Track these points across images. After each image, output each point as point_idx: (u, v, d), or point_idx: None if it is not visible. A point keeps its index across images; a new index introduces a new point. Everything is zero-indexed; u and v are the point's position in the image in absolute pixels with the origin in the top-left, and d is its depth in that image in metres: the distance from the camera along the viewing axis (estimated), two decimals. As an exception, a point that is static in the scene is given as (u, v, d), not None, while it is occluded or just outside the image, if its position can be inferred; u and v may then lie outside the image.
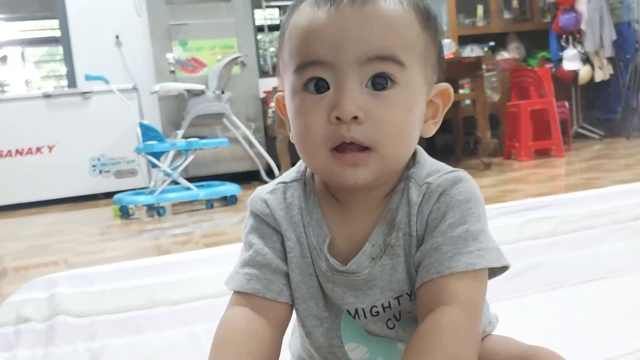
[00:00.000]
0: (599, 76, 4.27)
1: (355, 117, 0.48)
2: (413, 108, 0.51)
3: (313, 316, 0.57)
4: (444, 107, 0.56)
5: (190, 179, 3.22)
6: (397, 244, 0.53)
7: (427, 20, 0.52)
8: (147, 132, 3.10)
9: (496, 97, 4.14)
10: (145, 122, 3.24)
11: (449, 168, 0.55)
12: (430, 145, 4.63)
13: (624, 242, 1.37)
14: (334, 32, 0.49)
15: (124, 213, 2.93)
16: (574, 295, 1.06)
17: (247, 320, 0.52)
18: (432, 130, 0.55)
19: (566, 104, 4.07)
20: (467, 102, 3.79)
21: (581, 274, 1.16)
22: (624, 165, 3.00)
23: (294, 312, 0.58)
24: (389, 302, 0.54)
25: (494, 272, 0.53)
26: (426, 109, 0.54)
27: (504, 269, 0.53)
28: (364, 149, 0.50)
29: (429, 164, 0.56)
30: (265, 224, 0.57)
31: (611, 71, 4.29)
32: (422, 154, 0.58)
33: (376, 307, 0.54)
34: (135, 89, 3.97)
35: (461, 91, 3.97)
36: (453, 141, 4.09)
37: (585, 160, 3.44)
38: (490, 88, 4.14)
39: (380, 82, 0.49)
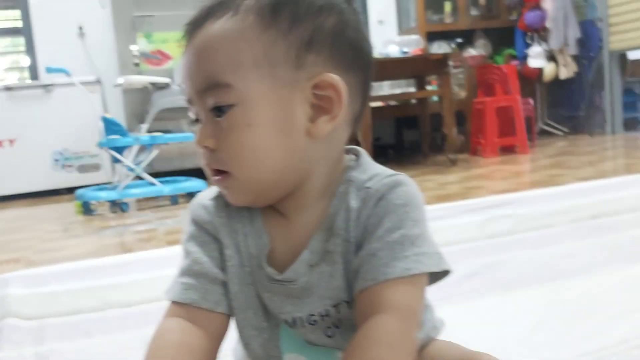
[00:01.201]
0: (564, 74, 4.34)
1: (207, 146, 0.51)
2: (252, 123, 0.49)
3: (251, 326, 0.55)
4: (339, 99, 0.50)
5: (155, 174, 3.17)
6: (335, 250, 0.52)
7: (273, 15, 0.49)
8: (110, 126, 3.04)
9: (463, 94, 4.17)
10: (108, 115, 3.18)
11: (390, 172, 0.54)
12: (398, 142, 4.66)
13: (580, 241, 1.39)
14: (183, 70, 0.52)
15: (86, 209, 2.87)
16: (529, 295, 1.06)
17: (181, 332, 0.51)
18: (327, 127, 0.51)
19: (531, 101, 4.13)
20: (435, 98, 3.81)
21: (537, 274, 1.17)
22: (586, 162, 3.06)
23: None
24: (327, 310, 0.53)
25: (436, 276, 0.53)
26: (311, 108, 0.50)
27: (445, 273, 0.53)
28: (222, 172, 0.51)
29: (371, 167, 0.55)
30: (204, 232, 0.55)
31: (575, 69, 4.36)
32: (365, 157, 0.57)
33: (314, 315, 0.53)
34: (98, 81, 3.89)
35: (429, 87, 3.99)
36: (420, 138, 4.12)
37: (549, 156, 3.49)
38: (458, 85, 4.18)
39: (216, 110, 0.50)
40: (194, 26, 0.51)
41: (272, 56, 0.49)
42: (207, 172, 0.53)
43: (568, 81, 4.44)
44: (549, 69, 4.34)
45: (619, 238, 1.39)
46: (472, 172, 3.27)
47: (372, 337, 0.46)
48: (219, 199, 0.56)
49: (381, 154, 4.12)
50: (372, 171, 0.54)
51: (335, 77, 0.50)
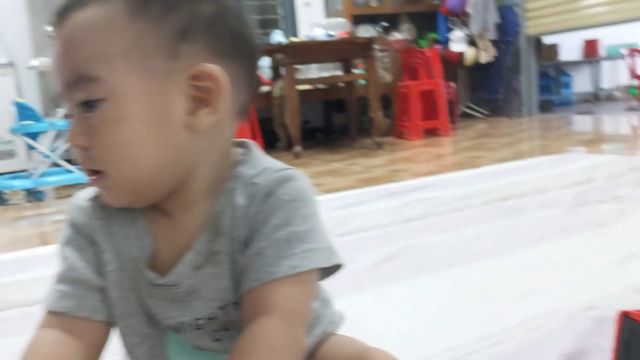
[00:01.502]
0: (484, 58, 4.48)
1: (78, 145, 0.48)
2: (125, 118, 0.46)
3: (135, 333, 0.53)
4: (219, 90, 0.48)
5: (74, 162, 3.04)
6: (221, 250, 0.50)
7: (144, 3, 0.46)
8: (23, 111, 2.87)
9: (389, 78, 4.23)
10: (21, 100, 3.00)
11: (280, 166, 0.52)
12: (328, 125, 4.68)
13: (490, 223, 1.45)
14: (53, 63, 0.48)
15: (0, 199, 2.73)
16: (437, 280, 1.09)
17: (55, 344, 0.48)
18: (208, 120, 0.48)
19: (453, 84, 4.24)
20: (362, 82, 3.84)
21: (446, 258, 1.21)
22: (504, 144, 3.18)
23: None
24: (213, 313, 0.51)
25: (328, 271, 0.52)
26: (190, 101, 0.48)
27: (337, 267, 0.52)
28: (97, 172, 0.48)
29: (260, 162, 0.53)
30: (81, 235, 0.52)
31: (494, 53, 4.51)
32: (255, 151, 0.54)
33: (200, 319, 0.52)
34: (11, 64, 3.67)
35: (355, 71, 4.01)
36: (348, 121, 4.15)
37: (470, 139, 3.61)
38: (383, 68, 4.23)
39: (84, 105, 0.47)
40: (62, 15, 0.47)
41: (144, 46, 0.46)
42: (84, 172, 0.50)
43: (488, 65, 4.58)
44: (469, 53, 4.47)
45: (525, 220, 1.45)
46: (397, 155, 3.33)
47: (254, 340, 0.45)
48: (97, 199, 0.53)
49: (310, 137, 4.13)
50: (261, 166, 0.52)
51: (213, 67, 0.47)
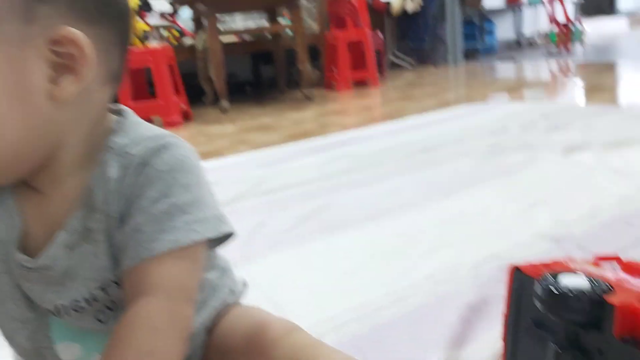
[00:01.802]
0: (410, 7, 4.48)
1: None
2: None
3: (14, 319, 0.51)
4: (82, 56, 0.44)
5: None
6: (96, 227, 0.47)
7: None
8: None
9: (316, 28, 4.17)
10: None
11: (157, 133, 0.49)
12: (256, 78, 4.59)
13: (409, 176, 1.47)
14: None
15: None
16: (352, 237, 1.11)
17: None
18: (73, 89, 0.45)
19: (380, 34, 4.23)
20: (290, 32, 3.77)
21: (364, 213, 1.22)
22: (430, 93, 3.23)
23: None
24: (93, 294, 0.49)
25: (220, 240, 0.50)
26: (52, 68, 0.44)
27: (229, 236, 0.50)
28: None
29: (135, 130, 0.49)
30: None
31: (421, 2, 4.52)
32: (130, 118, 0.51)
33: (78, 301, 0.49)
34: None
35: (281, 20, 3.93)
36: (276, 74, 4.09)
37: (397, 89, 3.64)
38: (310, 18, 4.16)
39: None
40: None
41: None
42: None
43: (414, 14, 4.59)
44: (396, 2, 4.46)
45: (442, 171, 1.48)
46: (327, 107, 3.32)
47: (134, 322, 0.43)
48: None
49: (238, 91, 4.04)
50: (136, 134, 0.48)
51: (75, 32, 0.43)
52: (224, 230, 0.49)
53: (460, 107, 2.50)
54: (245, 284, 0.66)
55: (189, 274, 0.47)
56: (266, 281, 0.93)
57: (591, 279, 0.44)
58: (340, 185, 1.45)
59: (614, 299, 0.41)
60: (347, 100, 3.46)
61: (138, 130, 0.49)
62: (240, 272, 0.96)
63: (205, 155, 2.15)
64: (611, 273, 0.48)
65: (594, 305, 0.42)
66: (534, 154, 1.50)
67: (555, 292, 0.43)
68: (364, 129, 2.23)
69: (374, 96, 3.54)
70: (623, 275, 0.48)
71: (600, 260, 0.56)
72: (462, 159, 1.57)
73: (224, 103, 3.30)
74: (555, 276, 0.46)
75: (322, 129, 2.50)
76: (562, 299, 0.43)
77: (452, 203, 1.24)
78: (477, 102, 2.61)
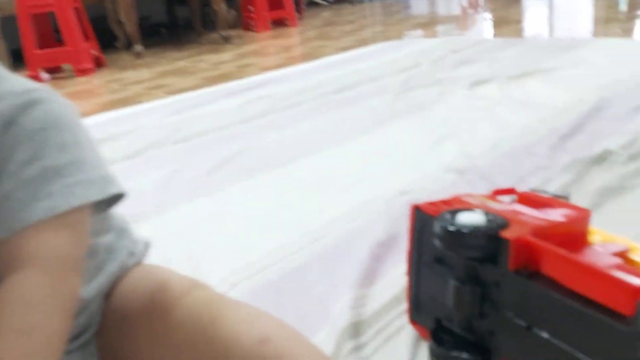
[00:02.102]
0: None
1: None
2: None
3: None
4: None
5: None
6: None
7: None
8: None
9: (230, -35, 4.00)
10: None
11: (25, 88, 0.44)
12: (172, 20, 4.39)
13: (324, 116, 1.49)
14: None
15: None
16: (268, 180, 1.11)
17: None
18: None
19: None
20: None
21: (280, 156, 1.23)
22: (347, 32, 3.21)
23: None
24: None
25: (109, 201, 0.47)
26: None
27: (120, 197, 0.47)
28: None
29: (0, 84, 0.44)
30: None
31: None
32: None
33: None
34: None
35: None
36: (192, 15, 3.93)
37: (315, 28, 3.60)
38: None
39: None
40: None
41: None
42: None
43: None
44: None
45: (356, 110, 1.51)
46: (246, 48, 3.25)
47: (9, 298, 0.39)
48: None
49: (153, 34, 3.87)
50: (1, 89, 0.43)
51: None
52: (111, 191, 0.45)
53: (377, 45, 2.52)
54: (147, 244, 0.61)
55: (72, 242, 0.43)
56: (181, 231, 0.93)
57: (487, 214, 0.47)
58: (258, 128, 1.45)
59: (508, 234, 0.43)
60: (265, 41, 3.40)
61: (1, 84, 0.44)
62: (154, 222, 0.97)
63: (120, 103, 2.07)
64: (507, 206, 0.51)
65: (489, 241, 0.44)
66: (444, 89, 1.55)
67: (452, 230, 0.45)
68: (283, 69, 2.21)
69: (293, 36, 3.49)
70: (518, 207, 0.51)
71: (498, 193, 0.59)
72: (377, 96, 1.59)
73: (138, 47, 3.16)
74: (452, 214, 0.48)
75: (240, 72, 2.45)
76: (458, 237, 0.45)
77: (368, 140, 1.27)
78: (393, 40, 2.63)
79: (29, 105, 0.42)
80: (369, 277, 0.73)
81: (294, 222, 0.92)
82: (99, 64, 2.97)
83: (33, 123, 0.42)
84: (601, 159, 0.97)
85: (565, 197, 0.73)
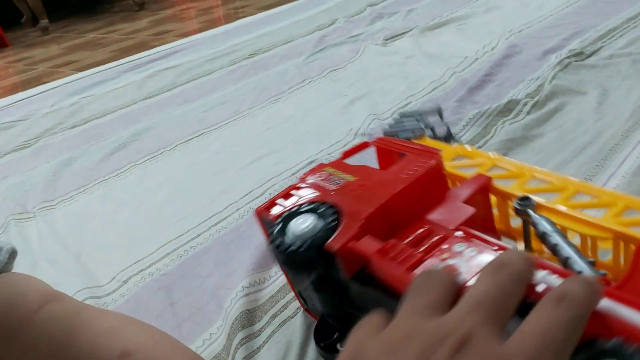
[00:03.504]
0: None
1: None
2: None
3: None
4: None
5: None
6: None
7: None
8: None
9: None
10: None
11: None
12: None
13: (234, 85, 1.41)
14: None
15: None
16: (171, 160, 1.04)
17: None
18: None
19: None
20: None
21: (185, 132, 1.15)
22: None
23: None
24: None
25: None
26: None
27: None
28: None
29: None
30: None
31: None
32: None
33: None
34: None
35: None
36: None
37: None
38: None
39: None
40: None
41: None
42: None
43: None
44: None
45: (268, 76, 1.43)
46: (162, 14, 3.09)
47: None
48: None
49: (62, 6, 3.64)
50: None
51: None
52: None
53: (297, 2, 2.42)
54: (11, 251, 0.57)
55: None
56: (68, 229, 0.86)
57: (318, 215, 0.42)
58: (163, 104, 1.35)
59: (335, 242, 0.39)
60: (184, 4, 3.24)
61: None
62: (41, 220, 0.88)
63: (25, 85, 1.93)
64: (346, 184, 0.47)
65: (320, 255, 0.40)
66: (358, 46, 1.48)
67: (282, 250, 0.42)
68: (194, 36, 2.09)
69: (214, -3, 3.34)
70: (357, 180, 0.47)
71: (348, 154, 0.56)
72: (290, 59, 1.52)
73: (44, 22, 2.95)
74: (282, 227, 0.43)
75: (157, 40, 2.32)
76: (290, 258, 0.41)
77: (277, 109, 1.20)
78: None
79: None
80: (263, 263, 0.68)
81: (195, 208, 0.85)
82: (1, 44, 2.77)
83: None
84: (507, 109, 0.94)
85: (437, 110, 0.70)
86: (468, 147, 0.60)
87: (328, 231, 0.40)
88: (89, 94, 1.52)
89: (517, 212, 0.47)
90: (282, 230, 0.43)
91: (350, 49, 1.48)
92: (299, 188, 0.49)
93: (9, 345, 0.45)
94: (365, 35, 1.58)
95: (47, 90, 1.66)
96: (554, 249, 0.42)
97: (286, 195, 0.49)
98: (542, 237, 0.43)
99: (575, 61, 1.09)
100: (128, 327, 0.47)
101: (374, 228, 0.40)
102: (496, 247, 0.37)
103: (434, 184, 0.46)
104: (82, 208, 0.92)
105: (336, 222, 0.41)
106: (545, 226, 0.43)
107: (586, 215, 0.44)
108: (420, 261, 0.36)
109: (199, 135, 1.14)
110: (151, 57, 1.80)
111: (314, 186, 0.49)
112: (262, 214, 0.49)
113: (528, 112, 0.92)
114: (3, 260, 0.55)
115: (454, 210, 0.42)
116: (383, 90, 1.18)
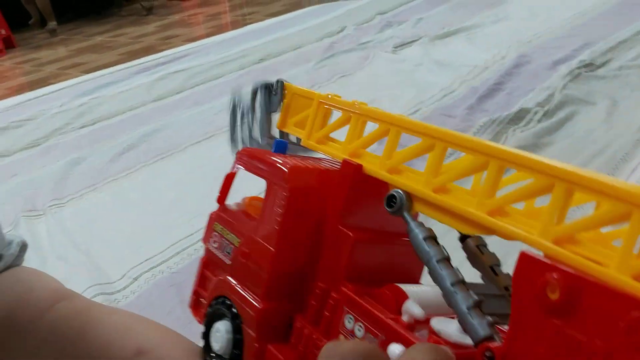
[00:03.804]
0: None
1: None
2: None
3: None
4: None
5: None
6: None
7: None
8: None
9: None
10: None
11: None
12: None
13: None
14: None
15: None
16: (180, 162, 1.05)
17: None
18: None
19: None
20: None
21: (193, 135, 1.16)
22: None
23: None
24: None
25: None
26: None
27: None
28: None
29: None
30: None
31: None
32: None
33: None
34: None
35: None
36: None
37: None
38: None
39: None
40: None
41: None
42: None
43: None
44: None
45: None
46: (171, 18, 3.10)
47: None
48: None
49: (70, 8, 3.65)
50: None
51: None
52: None
53: (304, 10, 2.43)
54: (21, 244, 0.56)
55: None
56: (78, 227, 0.86)
57: (230, 322, 0.37)
58: (172, 107, 1.36)
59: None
60: (192, 10, 3.26)
61: None
62: (51, 218, 0.88)
63: (32, 86, 1.94)
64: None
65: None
66: (367, 53, 1.49)
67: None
68: (203, 41, 2.10)
69: (222, 2, 3.36)
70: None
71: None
72: (299, 65, 1.53)
73: (52, 24, 2.97)
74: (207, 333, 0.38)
75: (164, 44, 2.34)
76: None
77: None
78: (327, 3, 2.55)
79: None
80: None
81: (203, 208, 0.84)
82: (9, 45, 2.78)
83: None
84: (518, 118, 0.94)
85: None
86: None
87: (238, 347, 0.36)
88: (97, 95, 1.52)
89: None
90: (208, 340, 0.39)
91: (359, 55, 1.49)
92: (206, 265, 0.43)
93: (20, 343, 0.45)
94: (375, 42, 1.59)
95: (55, 91, 1.67)
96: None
97: (200, 281, 0.43)
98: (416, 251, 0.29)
99: (585, 72, 1.09)
100: (140, 325, 0.46)
101: (273, 318, 0.35)
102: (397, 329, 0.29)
103: (306, 214, 0.35)
104: (92, 206, 0.92)
105: (240, 335, 0.37)
106: (416, 237, 0.29)
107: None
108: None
109: (209, 137, 1.14)
110: (160, 60, 1.80)
111: (214, 263, 0.41)
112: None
113: (539, 121, 0.92)
114: (14, 253, 0.55)
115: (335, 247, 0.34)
116: (392, 97, 1.18)
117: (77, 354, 0.44)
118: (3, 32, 2.75)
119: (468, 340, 0.28)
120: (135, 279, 0.70)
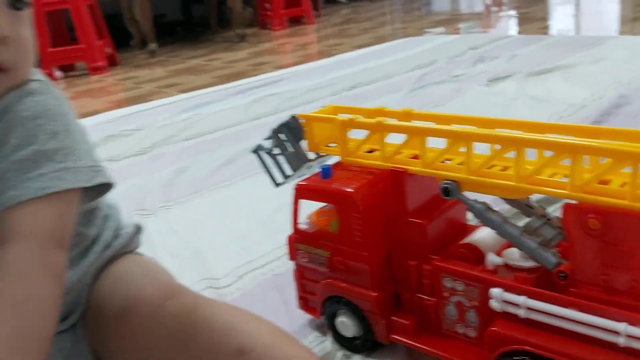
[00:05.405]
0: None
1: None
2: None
3: None
4: None
5: None
6: None
7: None
8: None
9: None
10: None
11: (25, 80, 0.47)
12: (188, 19, 4.40)
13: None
14: None
15: None
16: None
17: None
18: None
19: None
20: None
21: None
22: (365, 29, 3.18)
23: None
24: None
25: (100, 191, 0.49)
26: None
27: (107, 186, 0.49)
28: None
29: None
30: None
31: None
32: None
33: None
34: None
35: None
36: (207, 12, 3.93)
37: (333, 25, 3.57)
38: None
39: (18, 1, 0.44)
40: None
41: None
42: None
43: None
44: None
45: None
46: (261, 46, 3.23)
47: (2, 270, 0.41)
48: None
49: (168, 33, 3.88)
50: None
51: None
52: (98, 180, 0.47)
53: (393, 42, 2.48)
54: (137, 227, 0.59)
55: (60, 221, 0.45)
56: (187, 227, 0.91)
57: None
58: (269, 126, 1.41)
59: None
60: (281, 39, 3.38)
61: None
62: (161, 218, 0.95)
63: (133, 101, 2.07)
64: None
65: None
66: (459, 86, 1.51)
67: None
68: (296, 67, 2.18)
69: (310, 34, 3.47)
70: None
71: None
72: (389, 94, 1.56)
73: (152, 45, 3.16)
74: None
75: (255, 70, 2.44)
76: None
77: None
78: (413, 37, 2.59)
79: (24, 95, 0.46)
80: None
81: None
82: (112, 62, 2.98)
83: (26, 111, 0.45)
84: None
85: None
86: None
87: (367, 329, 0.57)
88: (198, 112, 1.62)
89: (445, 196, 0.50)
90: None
91: (451, 87, 1.51)
92: (301, 276, 0.63)
93: (128, 335, 0.48)
94: (467, 76, 1.60)
95: (158, 107, 1.78)
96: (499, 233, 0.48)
97: (302, 288, 0.63)
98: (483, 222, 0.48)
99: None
100: (245, 323, 0.48)
101: (385, 298, 0.55)
102: None
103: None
104: (198, 210, 0.98)
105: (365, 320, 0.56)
106: (481, 212, 0.48)
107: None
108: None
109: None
110: (255, 84, 1.89)
111: (309, 273, 0.61)
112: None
113: None
114: (130, 232, 0.57)
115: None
116: (486, 129, 1.19)
117: (187, 354, 0.47)
118: (109, 50, 2.96)
119: (532, 263, 0.46)
120: (240, 277, 0.74)
